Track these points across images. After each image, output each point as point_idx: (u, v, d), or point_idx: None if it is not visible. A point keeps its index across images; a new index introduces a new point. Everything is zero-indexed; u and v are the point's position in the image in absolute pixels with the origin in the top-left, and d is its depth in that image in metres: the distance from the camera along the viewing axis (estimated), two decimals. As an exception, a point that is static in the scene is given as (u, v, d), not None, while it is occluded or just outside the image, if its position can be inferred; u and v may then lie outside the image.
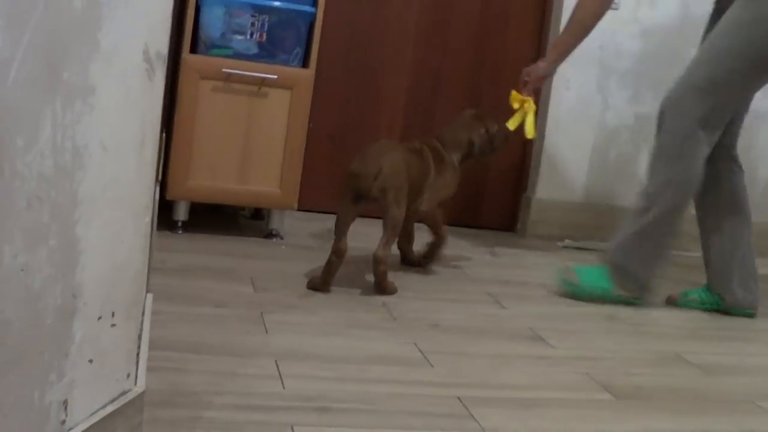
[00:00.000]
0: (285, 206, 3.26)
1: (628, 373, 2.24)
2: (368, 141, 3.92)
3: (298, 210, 3.37)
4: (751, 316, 2.95)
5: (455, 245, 3.16)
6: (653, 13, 4.05)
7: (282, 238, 3.29)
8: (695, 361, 2.41)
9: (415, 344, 2.23)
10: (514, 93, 3.20)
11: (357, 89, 3.95)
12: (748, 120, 4.26)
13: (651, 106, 4.11)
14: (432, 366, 2.09)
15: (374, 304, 2.58)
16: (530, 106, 3.18)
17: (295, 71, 3.17)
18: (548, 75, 3.23)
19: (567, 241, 3.97)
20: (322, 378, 1.91)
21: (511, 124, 3.16)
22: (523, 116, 3.16)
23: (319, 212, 3.87)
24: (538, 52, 4.10)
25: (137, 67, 1.23)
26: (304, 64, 3.21)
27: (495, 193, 4.19)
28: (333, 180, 3.93)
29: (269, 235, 3.30)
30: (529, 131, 3.16)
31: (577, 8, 3.06)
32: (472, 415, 1.80)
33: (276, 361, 1.97)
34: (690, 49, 3.17)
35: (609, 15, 3.93)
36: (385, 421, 1.73)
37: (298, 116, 3.18)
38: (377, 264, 2.67)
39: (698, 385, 2.22)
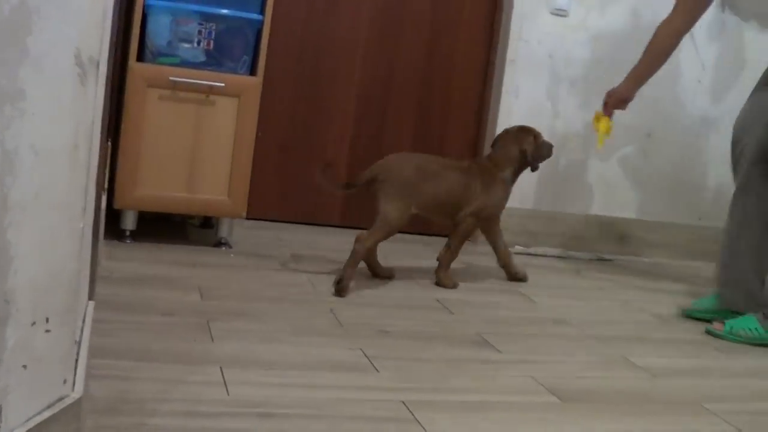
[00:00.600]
0: (234, 215, 3.24)
1: (574, 377, 2.26)
2: (318, 149, 3.94)
3: (247, 218, 3.37)
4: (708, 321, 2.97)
5: (406, 252, 3.16)
6: (602, 20, 4.08)
7: (231, 247, 3.28)
8: (642, 364, 2.43)
9: (362, 350, 2.23)
10: (597, 112, 3.46)
11: (306, 98, 3.94)
12: (697, 126, 4.33)
13: (600, 113, 4.16)
14: (378, 371, 2.09)
15: (322, 311, 2.57)
16: (606, 122, 3.41)
17: (242, 79, 3.16)
18: (628, 98, 3.38)
19: (517, 248, 4.00)
20: (267, 384, 1.91)
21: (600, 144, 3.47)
22: (602, 132, 3.43)
23: (268, 221, 3.86)
24: (488, 62, 4.12)
25: (69, 72, 1.22)
26: (252, 71, 3.20)
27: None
28: (282, 188, 3.92)
29: (218, 243, 3.28)
30: (599, 142, 3.43)
31: (656, 36, 3.20)
32: (417, 420, 1.81)
33: (221, 368, 1.96)
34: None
35: (559, 22, 4.01)
36: (329, 426, 1.73)
37: (246, 124, 3.17)
38: (355, 241, 2.83)
39: (645, 388, 2.24)
